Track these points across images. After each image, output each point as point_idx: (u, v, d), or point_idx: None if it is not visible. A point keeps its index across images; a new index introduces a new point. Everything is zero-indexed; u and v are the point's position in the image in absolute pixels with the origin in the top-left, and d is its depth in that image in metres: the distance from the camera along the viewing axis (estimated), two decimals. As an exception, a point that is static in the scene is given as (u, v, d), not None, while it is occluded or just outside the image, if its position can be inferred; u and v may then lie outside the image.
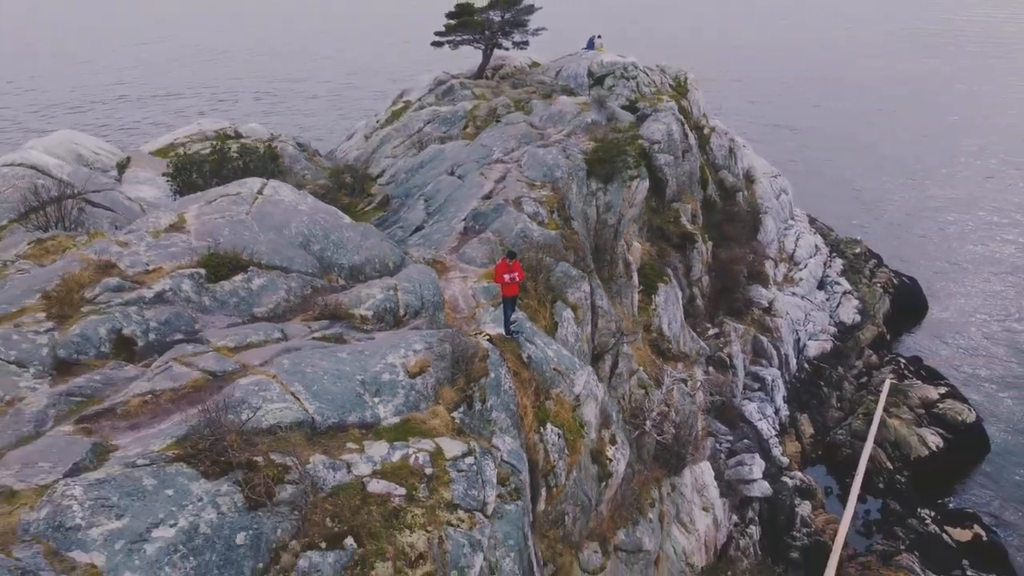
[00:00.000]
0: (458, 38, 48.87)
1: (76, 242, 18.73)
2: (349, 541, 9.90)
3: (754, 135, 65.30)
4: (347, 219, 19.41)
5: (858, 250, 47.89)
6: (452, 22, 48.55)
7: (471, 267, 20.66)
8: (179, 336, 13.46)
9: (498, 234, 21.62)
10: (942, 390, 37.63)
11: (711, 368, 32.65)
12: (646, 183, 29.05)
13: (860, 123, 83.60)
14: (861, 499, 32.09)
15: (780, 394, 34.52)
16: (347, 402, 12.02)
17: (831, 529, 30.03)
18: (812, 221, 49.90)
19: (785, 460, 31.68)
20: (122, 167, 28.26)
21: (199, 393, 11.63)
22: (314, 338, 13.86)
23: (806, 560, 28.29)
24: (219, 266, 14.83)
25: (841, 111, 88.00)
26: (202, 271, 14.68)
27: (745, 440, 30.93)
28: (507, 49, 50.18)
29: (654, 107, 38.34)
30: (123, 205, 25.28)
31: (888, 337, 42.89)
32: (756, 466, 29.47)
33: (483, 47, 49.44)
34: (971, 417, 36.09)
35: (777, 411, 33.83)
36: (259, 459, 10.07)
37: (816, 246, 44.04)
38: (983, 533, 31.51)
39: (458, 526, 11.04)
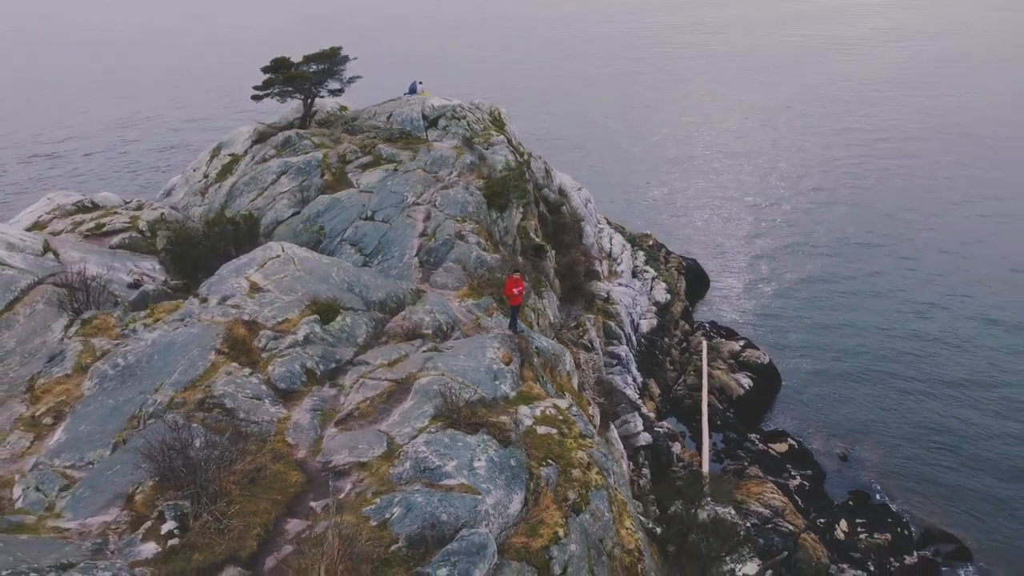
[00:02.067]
0: (277, 90, 52.68)
1: (120, 319, 21.96)
2: (551, 460, 15.84)
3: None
4: (353, 266, 24.35)
5: (651, 242, 58.73)
6: (271, 76, 52.27)
7: (447, 291, 26.36)
8: (333, 365, 18.16)
9: (459, 262, 27.53)
10: (741, 342, 48.83)
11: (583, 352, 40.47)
12: (522, 209, 36.14)
13: (606, 129, 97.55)
14: (708, 435, 41.65)
15: (633, 366, 43.28)
16: (488, 385, 17.72)
17: (696, 461, 39.13)
18: (609, 223, 60.00)
19: (652, 415, 40.33)
20: (49, 251, 29.80)
21: (396, 393, 16.78)
22: (423, 351, 19.19)
23: (688, 486, 36.97)
24: (327, 312, 19.51)
25: (584, 118, 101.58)
26: (317, 317, 19.30)
27: (622, 404, 39.07)
28: (322, 97, 54.93)
29: (488, 142, 45.49)
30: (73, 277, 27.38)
31: (690, 308, 53.86)
32: (638, 422, 37.73)
33: (303, 97, 53.73)
34: (765, 359, 47.46)
35: (634, 379, 42.51)
36: (486, 420, 15.66)
37: (623, 243, 53.86)
38: (794, 443, 42.41)
39: (591, 447, 17.29)
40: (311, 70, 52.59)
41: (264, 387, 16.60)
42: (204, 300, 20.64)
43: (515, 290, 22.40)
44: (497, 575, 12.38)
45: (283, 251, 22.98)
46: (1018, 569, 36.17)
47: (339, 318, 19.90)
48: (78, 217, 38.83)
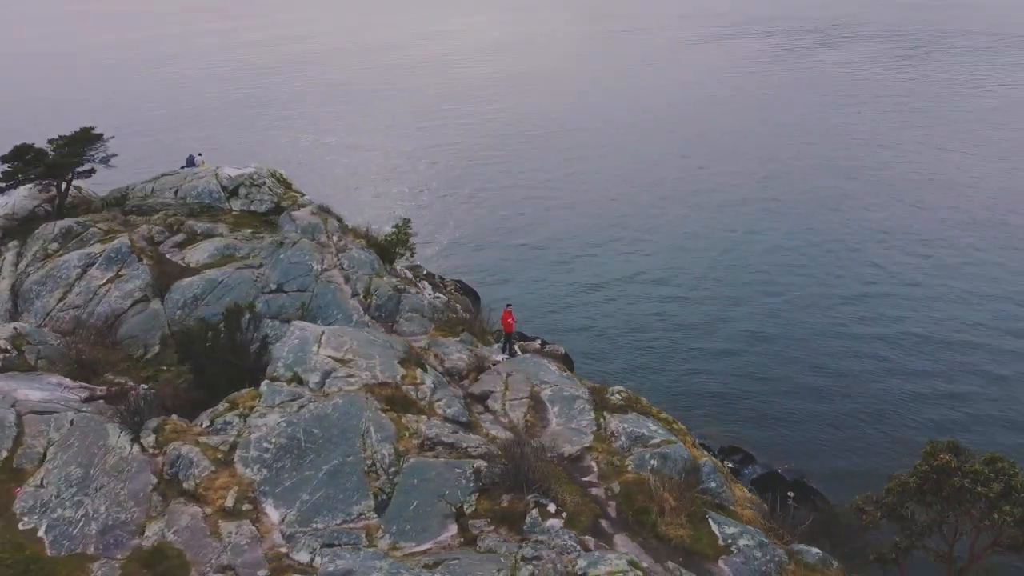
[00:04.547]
0: (22, 178, 50.20)
1: (183, 423, 24.29)
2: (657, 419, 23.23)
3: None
4: (371, 330, 28.75)
5: (425, 271, 65.87)
6: (14, 164, 49.67)
7: (416, 336, 31.41)
8: (463, 399, 23.30)
9: (416, 311, 32.57)
10: (539, 340, 58.40)
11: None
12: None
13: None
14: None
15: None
16: (573, 385, 24.38)
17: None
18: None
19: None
20: (-24, 384, 28.41)
21: (535, 405, 22.80)
22: (508, 377, 25.04)
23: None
24: (419, 364, 24.28)
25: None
26: (420, 369, 24.04)
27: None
28: (69, 180, 53.33)
29: (297, 203, 49.06)
30: (50, 406, 27.34)
31: (479, 322, 62.27)
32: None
33: (56, 183, 51.74)
34: (563, 349, 57.56)
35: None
36: (626, 404, 22.56)
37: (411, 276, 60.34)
38: (608, 410, 53.01)
39: (659, 414, 24.88)
40: (52, 154, 50.85)
41: (449, 424, 21.45)
42: (294, 379, 24.04)
43: (510, 320, 28.90)
44: (710, 485, 19.75)
45: (310, 328, 26.70)
46: (782, 455, 50.25)
47: (428, 368, 24.82)
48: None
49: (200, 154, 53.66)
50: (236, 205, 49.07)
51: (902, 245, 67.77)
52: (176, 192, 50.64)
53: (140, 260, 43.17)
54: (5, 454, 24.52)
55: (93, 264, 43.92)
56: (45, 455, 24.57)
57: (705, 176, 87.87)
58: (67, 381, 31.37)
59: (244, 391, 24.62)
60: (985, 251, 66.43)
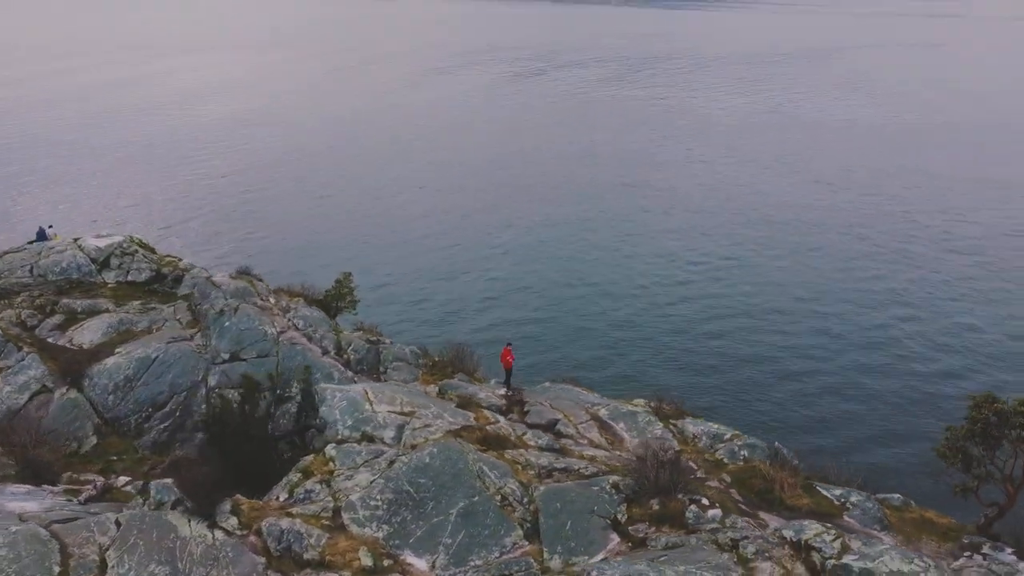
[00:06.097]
0: None
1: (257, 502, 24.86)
2: (694, 422, 27.45)
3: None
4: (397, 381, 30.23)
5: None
6: None
7: (409, 383, 32.99)
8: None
9: (401, 360, 33.89)
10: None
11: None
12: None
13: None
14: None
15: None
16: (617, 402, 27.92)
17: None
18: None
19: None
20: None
21: (600, 424, 26.03)
22: (555, 403, 27.92)
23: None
24: (476, 404, 26.40)
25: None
26: (478, 408, 26.20)
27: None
28: None
29: (178, 267, 47.46)
30: (58, 513, 25.75)
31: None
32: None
33: None
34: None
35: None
36: (671, 410, 26.44)
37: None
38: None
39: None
40: None
41: (548, 453, 24.01)
42: (364, 438, 25.31)
43: (509, 358, 31.76)
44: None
45: (349, 388, 27.87)
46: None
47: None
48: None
49: (51, 226, 50.10)
50: (110, 277, 46.84)
51: (707, 260, 78.27)
52: (31, 270, 47.08)
53: (19, 349, 40.04)
54: (58, 569, 23.19)
55: (-36, 356, 40.25)
56: (103, 562, 23.51)
57: (500, 201, 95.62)
58: (48, 486, 29.50)
59: (309, 458, 25.33)
60: (775, 253, 78.89)
